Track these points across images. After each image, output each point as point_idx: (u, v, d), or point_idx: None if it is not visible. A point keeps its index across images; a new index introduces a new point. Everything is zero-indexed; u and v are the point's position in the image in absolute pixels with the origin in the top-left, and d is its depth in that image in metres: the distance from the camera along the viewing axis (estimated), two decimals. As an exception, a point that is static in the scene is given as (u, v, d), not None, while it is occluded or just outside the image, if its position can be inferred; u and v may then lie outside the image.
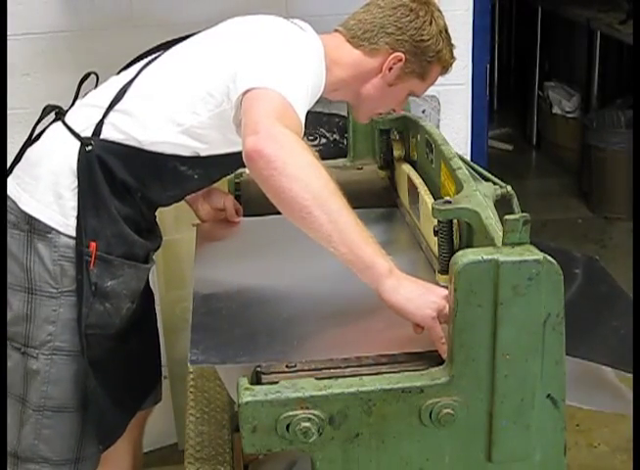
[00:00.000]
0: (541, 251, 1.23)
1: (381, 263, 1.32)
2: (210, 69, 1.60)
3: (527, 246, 1.23)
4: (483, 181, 1.60)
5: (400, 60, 1.71)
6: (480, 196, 1.44)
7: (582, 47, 5.14)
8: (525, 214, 1.24)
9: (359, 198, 2.03)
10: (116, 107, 1.62)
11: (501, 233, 1.26)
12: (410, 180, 1.81)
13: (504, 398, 1.26)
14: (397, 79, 1.73)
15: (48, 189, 1.60)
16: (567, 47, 5.60)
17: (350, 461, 1.28)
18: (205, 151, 1.63)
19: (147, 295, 1.79)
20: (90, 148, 1.58)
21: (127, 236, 1.62)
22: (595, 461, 2.69)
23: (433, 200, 1.61)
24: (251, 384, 1.26)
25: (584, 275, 1.85)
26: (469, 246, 1.44)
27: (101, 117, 1.61)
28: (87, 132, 1.61)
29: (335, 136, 2.42)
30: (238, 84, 1.50)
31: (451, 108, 2.51)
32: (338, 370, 1.30)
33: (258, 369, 1.29)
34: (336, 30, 1.76)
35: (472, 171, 1.59)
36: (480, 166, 1.71)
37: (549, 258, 1.21)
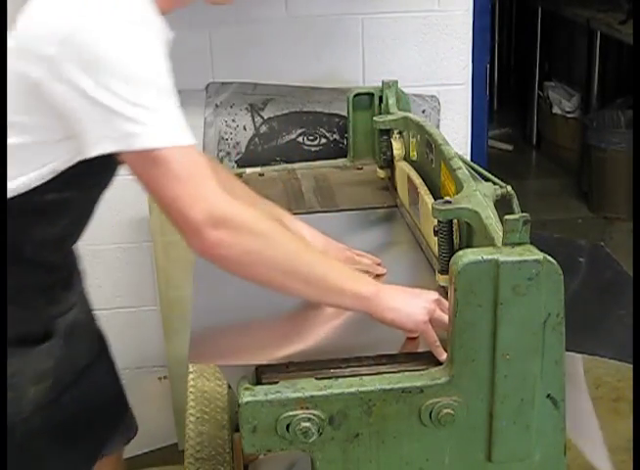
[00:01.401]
0: (545, 242, 1.23)
1: (363, 290, 1.30)
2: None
3: (527, 246, 1.22)
4: (483, 181, 1.60)
5: None
6: (479, 196, 1.44)
7: (582, 47, 5.14)
8: (525, 214, 1.24)
9: (359, 198, 2.04)
10: None
11: (501, 233, 1.26)
12: (410, 180, 1.81)
13: (504, 398, 1.26)
14: None
15: None
16: (567, 47, 5.60)
17: (350, 461, 1.28)
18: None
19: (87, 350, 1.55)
20: None
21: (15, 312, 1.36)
22: (595, 461, 2.69)
23: (433, 200, 1.61)
24: (251, 384, 1.26)
25: (590, 264, 1.85)
26: (469, 246, 1.44)
27: None
28: None
29: (335, 136, 2.42)
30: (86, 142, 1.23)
31: (451, 108, 2.51)
32: (338, 370, 1.30)
33: (258, 369, 1.29)
34: None
35: (472, 171, 1.59)
36: (480, 166, 1.71)
37: (549, 257, 1.21)
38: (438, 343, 1.29)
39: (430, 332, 1.30)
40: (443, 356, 1.28)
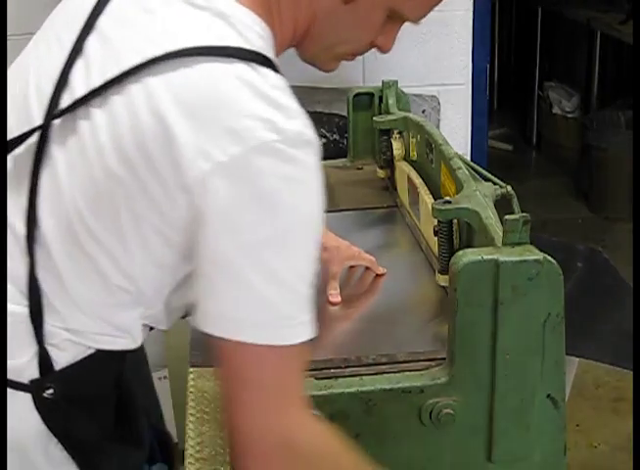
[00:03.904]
0: (543, 245, 1.23)
1: None
2: None
3: (527, 246, 1.22)
4: (483, 181, 1.59)
5: None
6: (479, 196, 1.44)
7: (582, 47, 5.14)
8: (524, 214, 1.24)
9: (359, 198, 2.04)
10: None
11: (501, 233, 1.26)
12: (410, 180, 1.81)
13: (504, 398, 1.26)
14: None
15: None
16: (567, 47, 5.60)
17: (350, 461, 1.28)
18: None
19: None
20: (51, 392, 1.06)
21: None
22: (595, 461, 2.69)
23: (433, 200, 1.61)
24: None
25: (587, 268, 1.85)
26: (469, 246, 1.44)
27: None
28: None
29: (335, 136, 2.42)
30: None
31: (451, 108, 2.51)
32: (338, 370, 1.30)
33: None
34: None
35: (472, 171, 1.59)
36: (480, 166, 1.71)
37: (549, 258, 1.21)
38: None
39: None
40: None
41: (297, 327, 0.98)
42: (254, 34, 1.02)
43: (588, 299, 1.71)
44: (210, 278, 0.98)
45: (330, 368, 1.30)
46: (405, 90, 2.19)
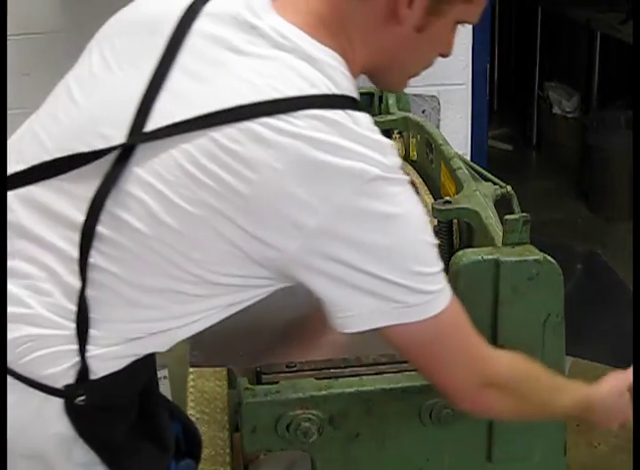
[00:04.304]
0: (541, 247, 1.23)
1: (592, 419, 1.28)
2: None
3: (527, 246, 1.23)
4: (483, 181, 1.60)
5: None
6: (479, 196, 1.44)
7: (582, 47, 5.14)
8: (524, 214, 1.24)
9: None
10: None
11: (501, 233, 1.26)
12: (410, 180, 1.81)
13: (504, 398, 1.26)
14: (429, 15, 1.09)
15: None
16: (567, 47, 5.60)
17: (350, 461, 1.28)
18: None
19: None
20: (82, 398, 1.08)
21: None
22: (595, 461, 2.69)
23: (433, 200, 1.61)
24: (252, 384, 1.26)
25: (585, 270, 1.85)
26: (469, 246, 1.44)
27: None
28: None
29: (335, 136, 2.42)
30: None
31: (451, 108, 2.51)
32: (338, 370, 1.30)
33: (258, 369, 1.29)
34: None
35: (472, 171, 1.59)
36: (480, 166, 1.71)
37: (549, 257, 1.21)
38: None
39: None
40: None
41: (440, 294, 1.07)
42: (341, 76, 1.06)
43: (586, 301, 1.71)
44: (343, 293, 1.05)
45: (330, 368, 1.30)
46: (405, 90, 2.19)
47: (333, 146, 0.99)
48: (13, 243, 1.07)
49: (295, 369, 1.29)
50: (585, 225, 4.49)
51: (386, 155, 1.02)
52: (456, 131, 2.54)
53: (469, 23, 1.17)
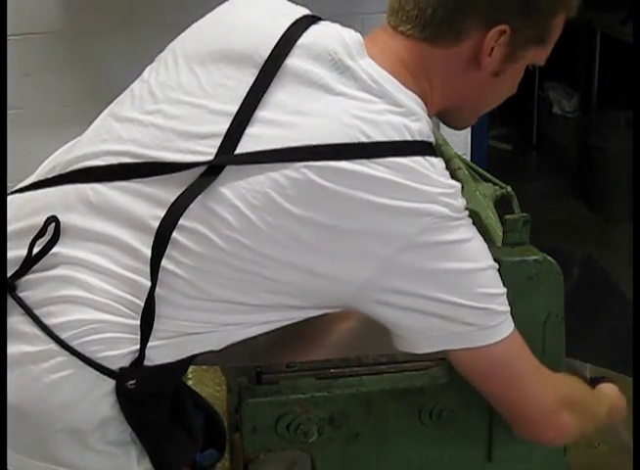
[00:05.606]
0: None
1: (607, 420, 1.35)
2: None
3: (527, 246, 1.23)
4: (483, 181, 1.60)
5: (504, 32, 1.13)
6: (479, 196, 1.45)
7: (582, 47, 5.14)
8: (524, 214, 1.24)
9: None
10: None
11: (501, 233, 1.26)
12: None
13: (504, 398, 1.26)
14: (505, 62, 1.16)
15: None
16: (567, 47, 5.59)
17: (350, 461, 1.28)
18: None
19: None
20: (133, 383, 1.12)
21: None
22: (595, 461, 2.69)
23: (433, 200, 1.61)
24: (252, 384, 1.26)
25: (582, 275, 1.85)
26: (469, 246, 1.44)
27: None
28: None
29: (335, 136, 2.41)
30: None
31: (451, 108, 2.51)
32: (338, 370, 1.30)
33: (258, 369, 1.29)
34: (388, 30, 1.18)
35: (472, 172, 1.59)
36: (480, 167, 1.71)
37: (549, 258, 1.21)
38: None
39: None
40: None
41: (509, 316, 1.14)
42: (424, 122, 1.13)
43: (583, 305, 1.71)
44: (415, 320, 1.11)
45: (330, 368, 1.30)
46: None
47: (409, 190, 1.06)
48: (90, 227, 1.10)
49: (295, 369, 1.30)
50: (585, 226, 4.49)
51: (456, 198, 1.09)
52: (456, 132, 2.53)
53: (538, 64, 1.24)
